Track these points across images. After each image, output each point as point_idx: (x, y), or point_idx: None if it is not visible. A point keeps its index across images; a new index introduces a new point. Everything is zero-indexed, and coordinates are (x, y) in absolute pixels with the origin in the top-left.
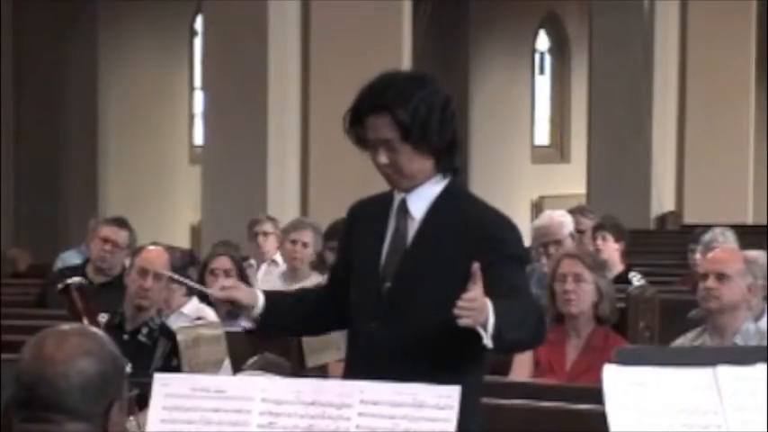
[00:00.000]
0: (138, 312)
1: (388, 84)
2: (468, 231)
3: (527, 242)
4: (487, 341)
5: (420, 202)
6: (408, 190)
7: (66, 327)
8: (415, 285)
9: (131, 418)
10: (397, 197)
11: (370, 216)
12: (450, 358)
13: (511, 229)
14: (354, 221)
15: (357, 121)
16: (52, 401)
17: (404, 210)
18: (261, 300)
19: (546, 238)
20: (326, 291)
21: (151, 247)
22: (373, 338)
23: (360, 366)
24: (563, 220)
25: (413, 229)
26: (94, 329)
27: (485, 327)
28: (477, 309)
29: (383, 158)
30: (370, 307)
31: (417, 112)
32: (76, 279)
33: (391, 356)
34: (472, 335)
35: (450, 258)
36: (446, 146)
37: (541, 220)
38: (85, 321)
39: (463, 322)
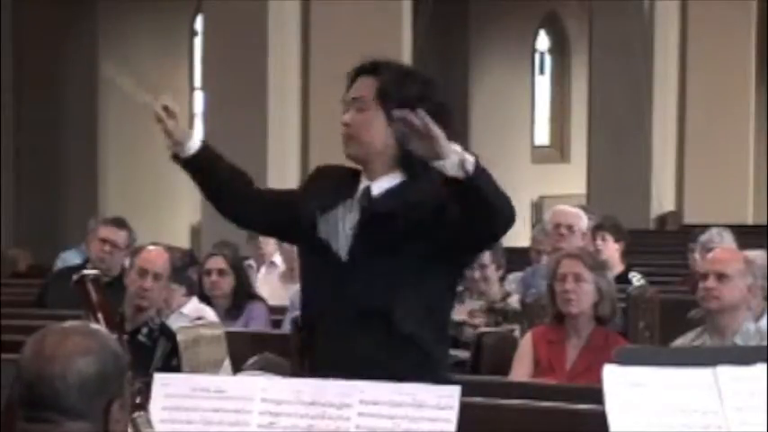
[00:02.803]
0: (137, 312)
1: (394, 62)
2: (427, 202)
3: (526, 243)
4: (468, 165)
5: (383, 184)
6: (358, 159)
7: (67, 325)
8: (374, 262)
9: (142, 412)
10: (363, 184)
11: (327, 184)
12: (411, 332)
13: None
14: (317, 182)
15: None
16: (51, 400)
17: (367, 194)
18: (197, 142)
19: (560, 219)
20: (259, 189)
21: (151, 248)
22: (338, 300)
23: (320, 348)
24: (580, 213)
25: (373, 208)
26: (97, 327)
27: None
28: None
29: (347, 117)
30: (327, 284)
31: (403, 84)
32: (92, 271)
33: (349, 332)
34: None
35: (412, 227)
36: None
37: (558, 207)
38: (100, 315)
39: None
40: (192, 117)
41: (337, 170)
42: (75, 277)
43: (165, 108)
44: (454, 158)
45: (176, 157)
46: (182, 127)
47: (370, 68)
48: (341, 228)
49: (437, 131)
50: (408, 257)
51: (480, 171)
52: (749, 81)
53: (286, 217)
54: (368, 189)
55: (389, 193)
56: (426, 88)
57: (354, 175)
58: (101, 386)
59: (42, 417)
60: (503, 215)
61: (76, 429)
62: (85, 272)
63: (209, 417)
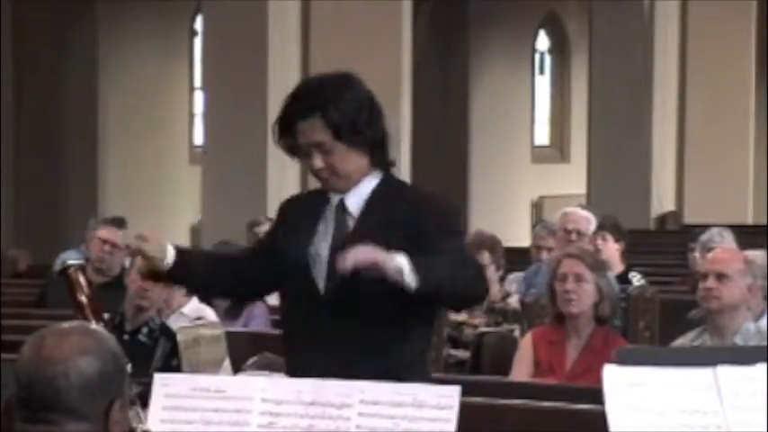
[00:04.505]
0: (138, 312)
1: (313, 88)
2: (403, 213)
3: (526, 243)
4: (409, 280)
5: (357, 198)
6: (345, 191)
7: (66, 325)
8: (354, 281)
9: (132, 406)
10: (335, 198)
11: (300, 214)
12: (392, 344)
13: (444, 204)
14: (285, 218)
15: (286, 129)
16: (51, 401)
17: (342, 209)
18: (171, 254)
19: (570, 225)
20: (244, 259)
21: None
22: (316, 332)
23: (305, 362)
24: (590, 217)
25: (351, 225)
26: (95, 327)
27: (401, 273)
28: (357, 251)
29: (319, 162)
30: (311, 302)
31: (346, 109)
32: (76, 261)
33: (334, 349)
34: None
35: (387, 248)
36: (379, 141)
37: (568, 209)
38: (86, 304)
39: (343, 265)
40: (192, 117)
41: (302, 197)
42: (58, 267)
43: (140, 236)
44: (400, 269)
45: (152, 276)
46: (158, 243)
47: (306, 109)
48: (319, 256)
49: (378, 257)
50: (384, 297)
51: (422, 283)
52: (749, 81)
53: (272, 272)
54: (342, 203)
55: (367, 209)
56: (357, 96)
57: (322, 193)
58: (102, 386)
59: (43, 418)
60: (465, 299)
61: (77, 430)
62: (70, 262)
63: (209, 417)
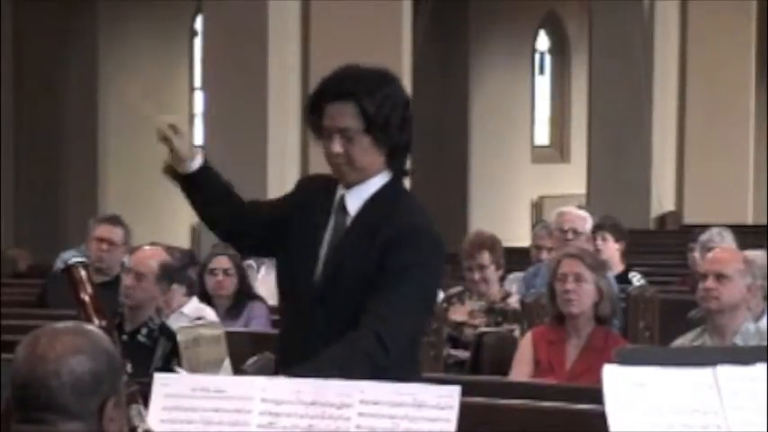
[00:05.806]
0: (134, 312)
1: (355, 74)
2: (384, 232)
3: (526, 243)
4: None
5: (357, 199)
6: (351, 185)
7: (60, 325)
8: (340, 281)
9: (134, 405)
10: (339, 193)
11: (313, 203)
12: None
13: (421, 234)
14: (301, 195)
15: (317, 107)
16: (44, 401)
17: (342, 207)
18: (198, 160)
19: (566, 224)
20: (248, 207)
21: (146, 247)
22: (306, 328)
23: (293, 360)
24: (586, 216)
25: (348, 222)
26: (89, 327)
27: None
28: None
29: (338, 147)
30: (304, 295)
31: (382, 105)
32: (79, 259)
33: (322, 345)
34: None
35: (367, 257)
36: (402, 145)
37: (563, 209)
38: (88, 302)
39: None
40: (192, 117)
41: (318, 181)
42: (61, 266)
43: (173, 126)
44: None
45: (170, 172)
46: (189, 144)
47: (340, 93)
48: (317, 248)
49: None
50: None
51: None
52: (749, 81)
53: (274, 235)
54: (342, 200)
55: (364, 210)
56: (395, 95)
57: (333, 183)
58: (94, 385)
59: (37, 417)
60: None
61: (71, 430)
62: (72, 260)
63: (209, 417)
